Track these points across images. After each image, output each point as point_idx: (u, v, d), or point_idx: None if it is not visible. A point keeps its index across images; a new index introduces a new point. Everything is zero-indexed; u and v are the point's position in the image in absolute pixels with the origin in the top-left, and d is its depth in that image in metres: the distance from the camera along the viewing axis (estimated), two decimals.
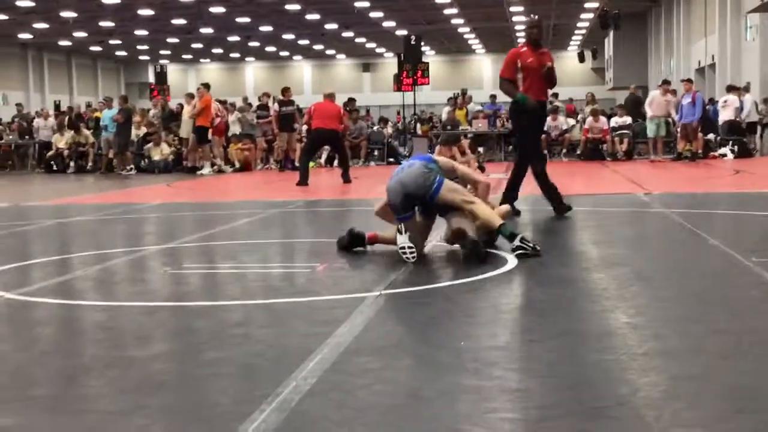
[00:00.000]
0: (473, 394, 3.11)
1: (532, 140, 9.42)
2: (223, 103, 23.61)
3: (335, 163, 19.82)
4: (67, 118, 23.92)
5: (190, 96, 20.82)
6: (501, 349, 3.71)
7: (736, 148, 20.48)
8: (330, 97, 16.00)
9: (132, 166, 20.80)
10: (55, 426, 2.93)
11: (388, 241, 6.49)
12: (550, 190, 9.21)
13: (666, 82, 21.59)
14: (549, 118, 22.65)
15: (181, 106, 21.57)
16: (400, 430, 2.77)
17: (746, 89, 22.97)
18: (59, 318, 4.79)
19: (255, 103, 23.40)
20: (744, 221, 8.59)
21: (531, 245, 6.13)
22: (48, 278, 6.05)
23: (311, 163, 17.31)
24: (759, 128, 22.02)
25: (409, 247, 6.02)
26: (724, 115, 20.97)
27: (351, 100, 23.59)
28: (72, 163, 22.19)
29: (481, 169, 17.21)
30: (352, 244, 6.63)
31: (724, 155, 20.18)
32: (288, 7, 38.34)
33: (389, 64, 51.86)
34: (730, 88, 22.22)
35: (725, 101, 21.36)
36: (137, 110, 24.33)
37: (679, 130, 19.74)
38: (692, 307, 4.57)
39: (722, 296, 4.88)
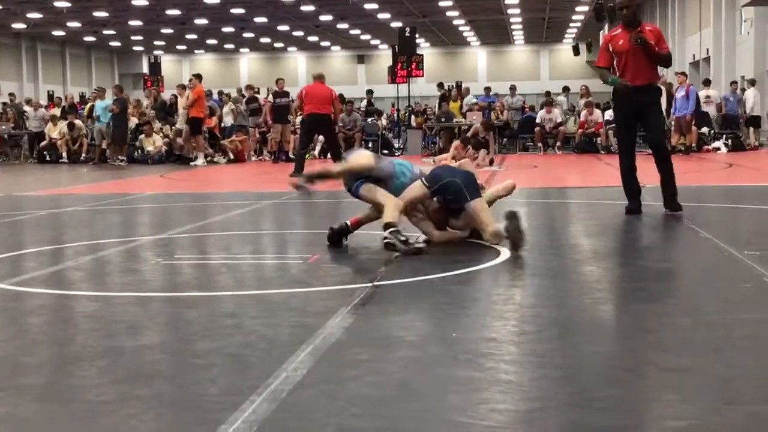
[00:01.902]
0: (464, 385, 3.11)
1: (618, 132, 8.69)
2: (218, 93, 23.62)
3: (329, 155, 19.80)
4: (60, 108, 23.88)
5: (183, 87, 20.77)
6: (492, 341, 3.71)
7: (729, 141, 20.52)
8: (320, 78, 15.57)
9: (124, 157, 20.76)
10: (46, 415, 2.93)
11: (372, 218, 6.52)
12: (627, 190, 8.21)
13: None
14: (543, 111, 22.70)
15: (175, 97, 21.52)
16: (391, 422, 2.77)
17: (752, 83, 23.02)
18: (51, 308, 4.77)
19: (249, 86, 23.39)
20: (737, 214, 8.61)
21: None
22: (40, 268, 6.04)
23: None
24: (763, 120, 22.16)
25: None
26: (709, 111, 21.04)
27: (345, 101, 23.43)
28: (65, 154, 22.16)
29: (489, 161, 17.21)
30: (338, 238, 6.58)
31: (718, 149, 20.21)
32: None
33: (384, 56, 51.79)
34: (707, 82, 22.21)
35: (707, 97, 21.39)
36: (131, 101, 24.29)
37: (672, 123, 19.75)
38: (684, 300, 4.58)
39: (714, 289, 4.88)
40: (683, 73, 21.05)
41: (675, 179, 7.99)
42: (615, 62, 8.01)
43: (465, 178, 6.41)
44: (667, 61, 8.04)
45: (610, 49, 8.02)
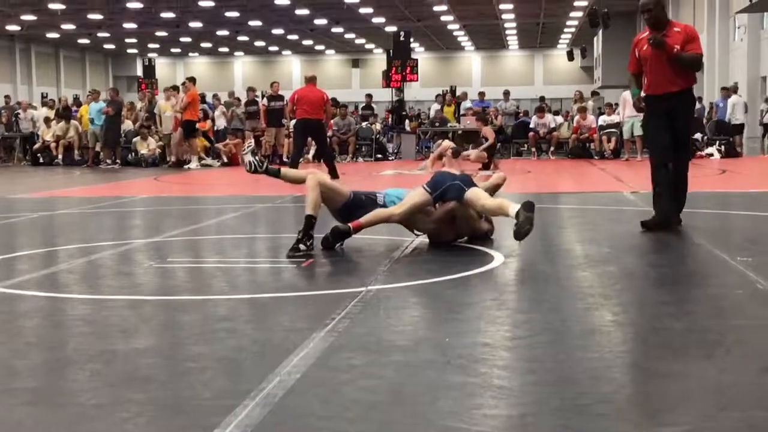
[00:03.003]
0: (458, 390, 3.11)
1: (648, 134, 7.96)
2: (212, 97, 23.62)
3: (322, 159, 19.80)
4: (54, 110, 23.85)
5: (174, 89, 20.74)
6: (486, 346, 3.71)
7: (723, 147, 20.56)
8: (312, 81, 15.48)
9: (118, 159, 20.74)
10: (38, 419, 2.92)
11: (373, 222, 6.56)
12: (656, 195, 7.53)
13: None
14: (535, 116, 22.75)
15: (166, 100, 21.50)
16: (384, 427, 2.77)
17: (734, 90, 23.02)
18: (43, 310, 4.76)
19: (243, 97, 23.38)
20: (729, 221, 8.63)
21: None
22: (33, 271, 6.03)
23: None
24: (762, 128, 22.13)
25: None
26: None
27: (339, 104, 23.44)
28: (60, 156, 22.14)
29: (486, 166, 17.20)
30: (337, 240, 6.59)
31: (711, 155, 20.26)
32: (277, 2, 38.31)
33: (378, 60, 51.91)
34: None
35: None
36: (126, 103, 24.30)
37: None
38: (677, 306, 4.58)
39: (707, 295, 4.89)
40: None
41: (684, 193, 7.49)
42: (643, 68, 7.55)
43: (464, 178, 6.62)
44: (693, 64, 7.35)
45: (637, 55, 7.59)
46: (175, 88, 20.69)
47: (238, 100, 23.61)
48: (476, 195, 6.54)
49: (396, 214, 6.57)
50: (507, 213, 6.27)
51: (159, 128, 20.96)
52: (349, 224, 6.52)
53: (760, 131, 23.38)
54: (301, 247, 6.32)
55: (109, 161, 20.60)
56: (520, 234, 6.05)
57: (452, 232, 6.72)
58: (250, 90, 22.77)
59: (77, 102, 25.55)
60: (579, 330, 4.02)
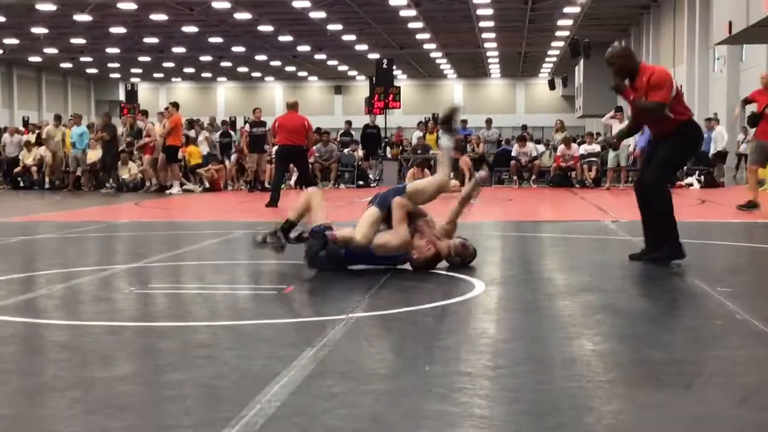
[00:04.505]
0: (438, 419, 3.11)
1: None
2: (195, 121, 23.62)
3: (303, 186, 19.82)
4: (35, 135, 23.77)
5: (144, 113, 20.81)
6: (466, 375, 3.71)
7: (702, 177, 20.69)
8: (293, 107, 15.55)
9: (114, 183, 20.65)
10: None
11: (347, 239, 6.64)
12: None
13: (619, 110, 21.77)
14: (516, 145, 22.88)
15: (152, 125, 21.48)
16: None
17: (716, 120, 23.26)
18: (21, 336, 4.73)
19: (224, 121, 23.47)
20: (709, 251, 8.67)
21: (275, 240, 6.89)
22: (11, 296, 5.98)
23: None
24: (737, 158, 22.26)
25: None
26: None
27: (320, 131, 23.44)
28: (47, 179, 22.10)
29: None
30: (317, 250, 6.71)
31: (691, 185, 20.39)
32: (261, 28, 38.42)
33: (361, 87, 52.08)
34: None
35: None
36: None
37: (639, 158, 19.79)
38: (657, 336, 4.60)
39: (686, 326, 4.91)
40: None
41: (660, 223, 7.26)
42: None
43: (397, 188, 7.11)
44: (649, 111, 7.20)
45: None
46: (146, 114, 20.75)
47: (212, 126, 23.74)
48: (414, 186, 7.06)
49: (357, 236, 6.63)
50: (447, 182, 7.04)
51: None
52: (328, 234, 6.64)
53: (734, 161, 23.53)
54: (268, 240, 6.84)
55: (111, 185, 20.51)
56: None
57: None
58: (224, 123, 22.86)
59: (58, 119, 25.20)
60: (560, 359, 4.03)
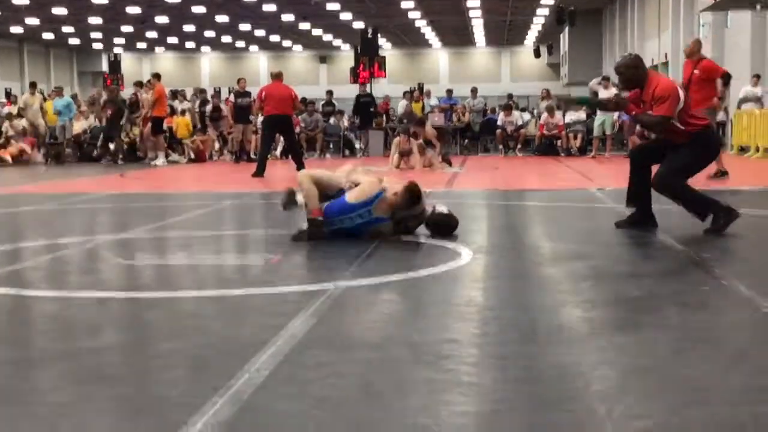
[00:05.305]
0: (426, 387, 3.12)
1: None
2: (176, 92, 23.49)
3: (290, 156, 19.75)
4: (17, 107, 23.58)
5: (138, 84, 20.64)
6: (454, 343, 3.72)
7: None
8: (278, 77, 15.55)
9: (121, 155, 20.38)
10: (4, 417, 2.88)
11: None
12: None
13: (606, 78, 21.72)
14: (502, 114, 22.83)
15: (136, 96, 21.26)
16: (353, 423, 2.77)
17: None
18: (7, 308, 4.71)
19: (209, 92, 23.31)
20: (694, 218, 8.68)
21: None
22: None
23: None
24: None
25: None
26: None
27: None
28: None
29: (447, 162, 17.24)
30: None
31: None
32: None
33: (346, 56, 51.79)
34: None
35: None
36: (87, 98, 24.14)
37: (625, 126, 19.75)
38: (643, 302, 4.62)
39: (673, 291, 4.93)
40: None
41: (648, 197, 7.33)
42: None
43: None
44: (653, 126, 7.22)
45: None
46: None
47: (203, 92, 23.58)
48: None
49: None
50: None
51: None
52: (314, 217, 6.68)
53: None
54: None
55: (120, 156, 20.23)
56: None
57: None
58: (214, 96, 22.68)
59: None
60: (547, 326, 4.04)
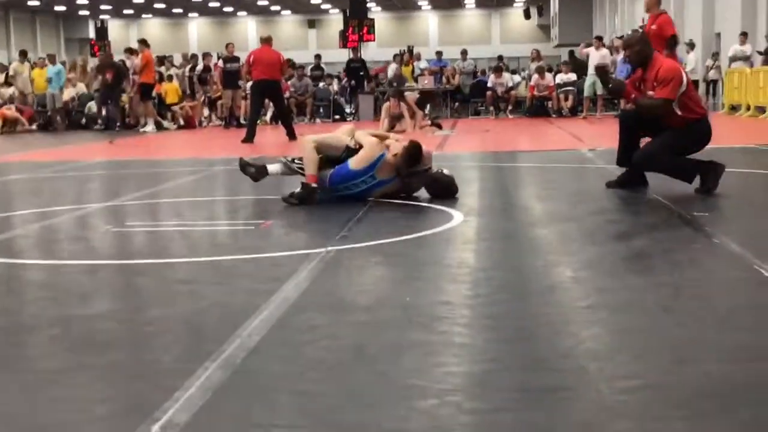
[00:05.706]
0: (419, 349, 3.12)
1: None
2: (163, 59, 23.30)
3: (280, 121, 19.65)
4: (4, 75, 23.41)
5: (130, 51, 20.46)
6: (446, 304, 3.72)
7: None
8: (267, 41, 15.40)
9: (118, 121, 20.15)
10: None
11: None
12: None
13: (598, 39, 21.61)
14: (492, 76, 22.75)
15: (123, 62, 21.11)
16: (346, 386, 2.77)
17: (691, 46, 23.09)
18: None
19: (200, 59, 23.11)
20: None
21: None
22: None
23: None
24: (704, 84, 22.16)
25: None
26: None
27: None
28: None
29: (437, 125, 17.21)
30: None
31: None
32: None
33: (335, 20, 51.45)
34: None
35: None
36: (77, 65, 23.93)
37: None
38: (634, 261, 4.63)
39: (664, 249, 4.94)
40: (621, 38, 21.05)
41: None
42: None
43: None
44: (654, 110, 7.00)
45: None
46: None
47: (194, 57, 23.39)
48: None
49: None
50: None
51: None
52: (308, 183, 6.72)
53: (703, 88, 23.41)
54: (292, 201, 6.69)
55: (117, 123, 20.01)
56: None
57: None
58: (206, 56, 22.51)
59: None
60: (539, 287, 4.05)
